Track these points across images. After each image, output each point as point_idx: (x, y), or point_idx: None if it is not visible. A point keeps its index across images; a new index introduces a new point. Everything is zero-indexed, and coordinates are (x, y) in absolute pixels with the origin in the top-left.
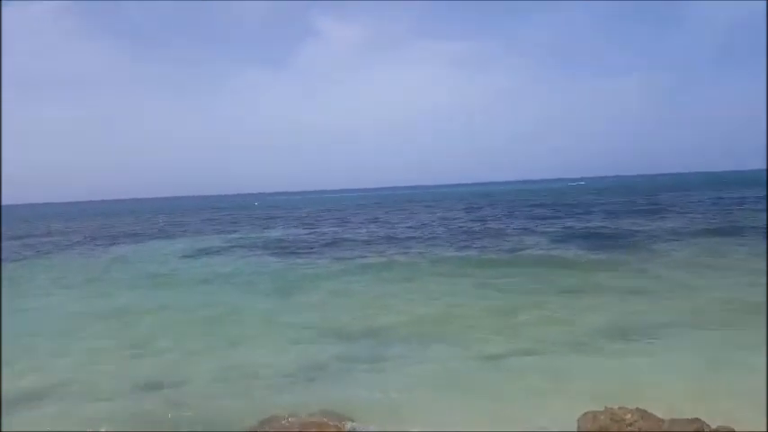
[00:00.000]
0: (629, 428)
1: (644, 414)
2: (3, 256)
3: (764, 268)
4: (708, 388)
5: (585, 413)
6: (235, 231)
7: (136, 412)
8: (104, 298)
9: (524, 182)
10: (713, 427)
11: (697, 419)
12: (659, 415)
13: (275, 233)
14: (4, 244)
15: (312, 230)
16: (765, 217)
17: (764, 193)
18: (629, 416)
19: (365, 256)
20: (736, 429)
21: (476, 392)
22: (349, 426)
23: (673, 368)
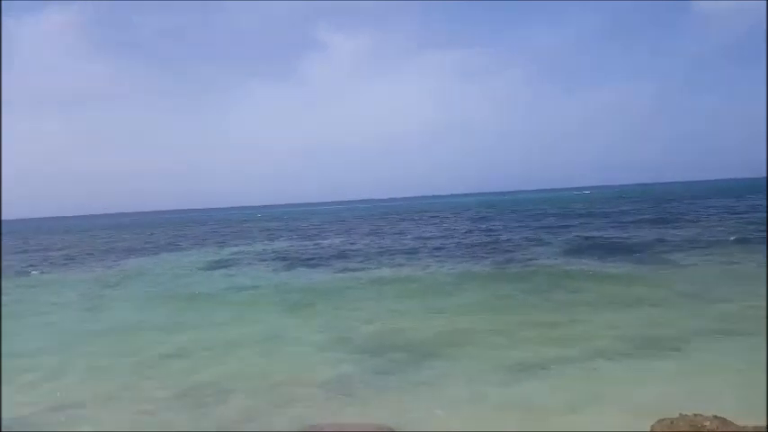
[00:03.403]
0: None
1: (723, 421)
2: (17, 270)
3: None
4: (751, 395)
5: (661, 420)
6: (241, 244)
7: (165, 424)
8: (125, 312)
9: (530, 191)
10: None
11: None
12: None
13: (281, 245)
14: (15, 257)
15: (318, 242)
16: None
17: None
18: (707, 423)
19: (374, 269)
20: None
21: (516, 407)
22: None
23: (710, 375)
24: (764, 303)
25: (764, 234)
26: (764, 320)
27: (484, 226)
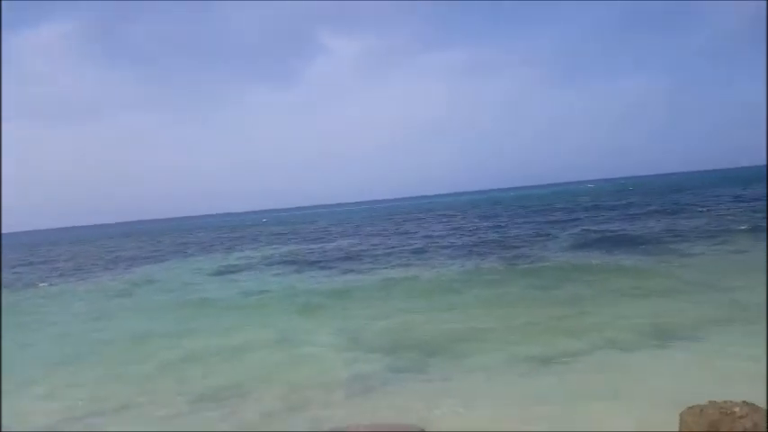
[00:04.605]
0: (740, 422)
1: (753, 407)
2: (25, 282)
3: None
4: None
5: (690, 407)
6: (248, 248)
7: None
8: (136, 321)
9: (534, 187)
10: None
11: None
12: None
13: (288, 249)
14: (22, 269)
15: (325, 245)
16: None
17: None
18: (737, 409)
19: (383, 269)
20: None
21: (536, 401)
22: None
23: (725, 364)
24: None
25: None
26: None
27: (491, 223)
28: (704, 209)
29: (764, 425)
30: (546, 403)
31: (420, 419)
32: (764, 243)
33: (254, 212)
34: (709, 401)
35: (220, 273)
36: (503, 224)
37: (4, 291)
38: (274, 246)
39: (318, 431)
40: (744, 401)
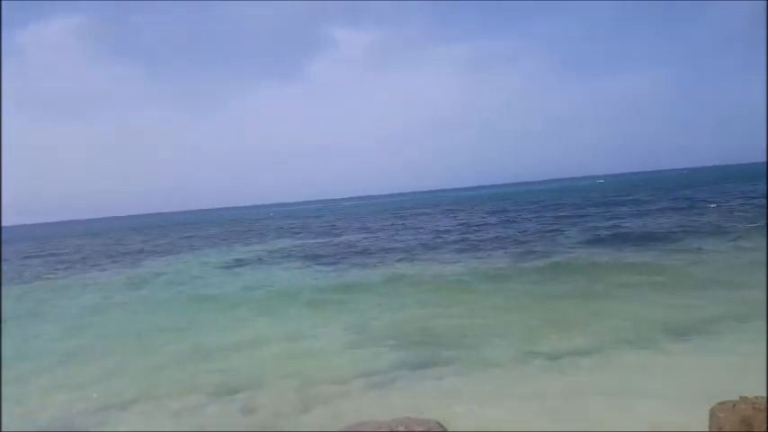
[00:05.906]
0: None
1: None
2: (34, 274)
3: None
4: None
5: (721, 402)
6: (255, 243)
7: (200, 426)
8: (144, 314)
9: (542, 182)
10: None
11: None
12: None
13: (296, 243)
14: (30, 261)
15: (333, 239)
16: None
17: None
18: None
19: (391, 264)
20: None
21: (552, 399)
22: None
23: (742, 360)
24: None
25: None
26: None
27: (499, 218)
28: (715, 205)
29: None
30: (559, 401)
31: (433, 416)
32: None
33: (261, 206)
34: (741, 397)
35: (228, 266)
36: (511, 219)
37: (12, 283)
38: (282, 240)
39: (340, 430)
40: None
